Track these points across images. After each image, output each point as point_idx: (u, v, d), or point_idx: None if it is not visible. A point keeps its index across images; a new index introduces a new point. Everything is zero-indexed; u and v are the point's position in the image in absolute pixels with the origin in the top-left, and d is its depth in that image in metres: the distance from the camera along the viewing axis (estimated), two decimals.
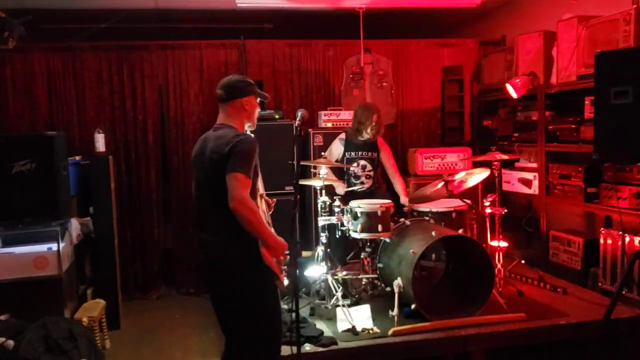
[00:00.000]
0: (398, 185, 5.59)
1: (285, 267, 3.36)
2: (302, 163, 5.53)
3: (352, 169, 5.49)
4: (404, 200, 5.44)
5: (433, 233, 4.27)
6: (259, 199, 3.42)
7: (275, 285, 3.23)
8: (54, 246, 4.73)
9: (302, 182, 5.14)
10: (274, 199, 3.70)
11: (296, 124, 3.44)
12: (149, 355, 5.02)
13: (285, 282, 3.35)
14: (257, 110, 3.49)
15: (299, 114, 3.46)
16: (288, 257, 3.31)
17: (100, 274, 5.66)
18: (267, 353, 3.30)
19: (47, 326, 4.12)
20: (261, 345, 3.27)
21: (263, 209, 3.50)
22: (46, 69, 6.38)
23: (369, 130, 5.41)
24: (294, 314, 4.08)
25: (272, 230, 3.32)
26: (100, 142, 5.69)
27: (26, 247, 4.70)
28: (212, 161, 3.15)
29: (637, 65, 3.72)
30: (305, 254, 5.11)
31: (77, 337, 4.18)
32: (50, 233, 4.77)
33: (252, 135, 3.33)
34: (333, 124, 6.28)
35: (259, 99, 3.50)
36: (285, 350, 3.60)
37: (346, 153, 5.55)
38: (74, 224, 5.36)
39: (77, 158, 5.92)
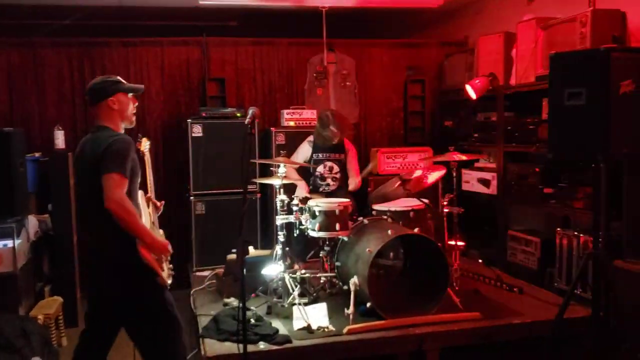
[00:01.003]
0: (350, 179, 5.65)
1: (171, 265, 3.52)
2: (261, 161, 5.56)
3: (318, 170, 5.48)
4: (352, 182, 5.51)
5: (389, 232, 4.28)
6: (142, 199, 3.49)
7: (156, 281, 3.27)
8: (9, 243, 4.69)
9: (261, 180, 5.15)
10: (162, 202, 3.81)
11: (247, 122, 3.43)
12: None
13: (169, 280, 3.45)
14: (131, 106, 3.46)
15: (250, 111, 3.45)
16: (170, 255, 3.42)
17: (58, 271, 5.60)
18: (165, 345, 3.35)
19: None
20: (158, 338, 3.33)
21: (148, 210, 3.59)
22: (6, 65, 6.30)
23: (331, 137, 5.42)
24: (248, 313, 4.15)
25: (158, 230, 3.49)
26: (59, 138, 5.63)
27: None
28: (89, 164, 3.16)
29: (590, 66, 3.76)
30: (257, 253, 5.10)
31: (29, 335, 4.14)
32: (5, 230, 4.74)
33: (127, 135, 3.34)
34: (296, 123, 6.29)
35: (130, 94, 3.47)
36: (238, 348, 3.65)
37: (313, 155, 5.54)
38: (32, 221, 5.30)
39: (37, 155, 5.85)
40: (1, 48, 6.27)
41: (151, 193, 3.74)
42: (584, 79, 3.77)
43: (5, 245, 4.67)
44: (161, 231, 3.75)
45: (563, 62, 3.98)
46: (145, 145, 3.87)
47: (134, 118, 3.49)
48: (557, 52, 4.09)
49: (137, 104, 3.52)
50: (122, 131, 3.40)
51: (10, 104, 6.33)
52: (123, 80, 3.47)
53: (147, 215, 3.50)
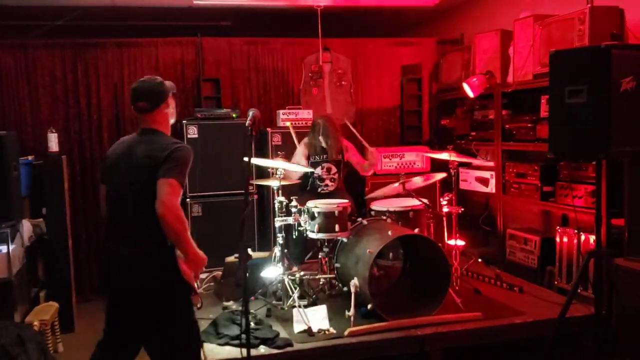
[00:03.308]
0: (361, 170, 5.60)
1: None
2: (262, 163, 5.50)
3: (317, 172, 5.43)
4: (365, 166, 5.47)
5: (389, 232, 4.26)
6: None
7: (190, 299, 3.15)
8: (4, 248, 4.61)
9: (258, 182, 5.10)
10: None
11: (247, 124, 3.38)
12: None
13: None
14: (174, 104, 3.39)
15: (250, 113, 3.40)
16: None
17: (53, 276, 5.53)
18: None
19: None
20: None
21: None
22: None
23: (323, 146, 5.38)
24: (251, 316, 4.10)
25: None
26: (53, 141, 5.56)
27: None
28: (142, 167, 3.04)
29: (591, 64, 3.74)
30: (255, 255, 5.05)
31: (25, 342, 4.06)
32: None
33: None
34: (292, 123, 6.24)
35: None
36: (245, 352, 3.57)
37: (310, 157, 5.49)
38: (26, 225, 5.23)
39: (30, 158, 5.76)
40: None
41: None
42: (584, 76, 3.75)
43: None
44: None
45: (563, 60, 3.96)
46: None
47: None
48: (556, 49, 4.06)
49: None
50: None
51: (2, 106, 6.25)
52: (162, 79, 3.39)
53: None
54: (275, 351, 3.83)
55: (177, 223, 2.92)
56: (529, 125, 5.35)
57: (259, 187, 6.07)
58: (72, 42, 6.39)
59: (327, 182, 5.43)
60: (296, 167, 5.09)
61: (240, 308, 4.40)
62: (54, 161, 5.51)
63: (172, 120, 3.36)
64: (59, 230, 5.49)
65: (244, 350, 3.66)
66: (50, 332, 4.84)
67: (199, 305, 3.24)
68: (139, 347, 3.32)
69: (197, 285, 3.23)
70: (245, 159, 3.37)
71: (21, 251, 4.98)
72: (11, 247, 4.66)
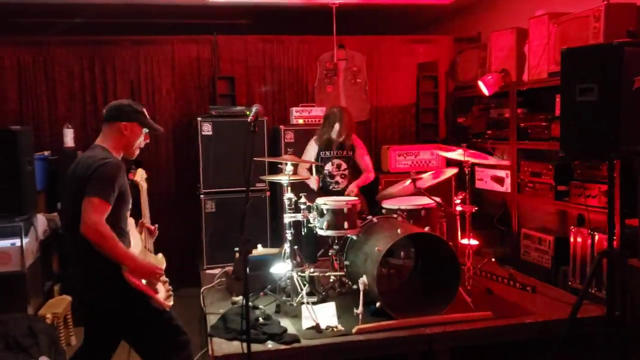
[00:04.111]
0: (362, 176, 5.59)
1: (170, 287, 3.46)
2: (269, 159, 5.53)
3: (327, 168, 5.43)
4: (350, 187, 5.43)
5: (399, 230, 4.23)
6: (132, 225, 3.43)
7: (150, 305, 3.20)
8: (17, 242, 4.69)
9: (269, 178, 5.11)
10: (156, 225, 3.72)
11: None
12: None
13: (170, 302, 3.38)
14: (140, 139, 3.40)
15: (254, 109, 3.41)
16: (162, 270, 3.36)
17: (67, 270, 5.59)
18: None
19: (6, 323, 4.07)
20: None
21: (141, 237, 3.54)
22: (16, 64, 6.32)
23: (334, 137, 5.38)
24: (256, 312, 4.12)
25: (153, 254, 3.45)
26: (69, 137, 5.64)
27: None
28: (76, 185, 3.09)
29: (602, 62, 3.69)
30: (266, 251, 5.06)
31: (37, 334, 4.12)
32: (13, 229, 4.72)
33: (118, 160, 3.26)
34: (305, 121, 6.26)
35: (145, 130, 3.41)
36: (252, 347, 3.58)
37: (321, 152, 5.50)
38: (40, 220, 5.30)
39: (46, 153, 5.85)
40: (12, 47, 6.29)
41: (145, 219, 3.67)
42: (596, 74, 3.71)
43: (13, 244, 4.67)
44: (160, 255, 3.70)
45: (575, 58, 3.92)
46: (140, 175, 3.79)
47: (136, 152, 3.44)
48: (568, 47, 4.02)
49: (148, 140, 3.47)
50: (119, 157, 3.33)
51: (20, 102, 6.34)
52: (146, 113, 3.44)
53: (138, 241, 3.46)
54: (282, 347, 3.83)
55: (99, 239, 2.95)
56: (544, 123, 5.29)
57: (272, 183, 6.08)
58: (90, 39, 6.46)
59: (338, 178, 5.43)
60: (305, 162, 5.11)
61: (250, 303, 4.42)
62: (69, 156, 5.55)
63: (125, 153, 3.38)
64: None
65: (253, 345, 3.73)
66: (62, 325, 4.89)
67: (164, 308, 3.29)
68: (115, 344, 3.42)
69: (160, 290, 3.31)
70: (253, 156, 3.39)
71: (35, 245, 5.05)
72: (25, 240, 4.73)
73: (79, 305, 3.38)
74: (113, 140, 3.31)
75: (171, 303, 3.39)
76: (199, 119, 6.01)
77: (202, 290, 5.05)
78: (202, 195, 6.01)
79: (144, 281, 3.18)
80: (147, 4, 6.37)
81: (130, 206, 3.32)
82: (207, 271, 5.68)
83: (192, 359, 3.49)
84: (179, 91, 6.59)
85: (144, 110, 3.45)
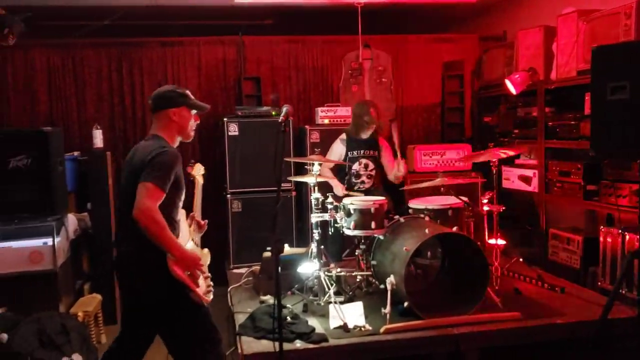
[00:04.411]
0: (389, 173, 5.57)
1: (211, 282, 3.48)
2: (295, 160, 5.55)
3: (354, 168, 5.43)
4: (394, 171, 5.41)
5: (426, 230, 4.22)
6: (182, 216, 3.47)
7: (189, 297, 3.22)
8: (49, 241, 4.75)
9: (295, 178, 5.13)
10: (206, 221, 3.76)
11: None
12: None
13: (210, 297, 3.41)
14: (191, 122, 3.45)
15: (284, 109, 3.43)
16: (204, 268, 3.39)
17: (97, 269, 5.67)
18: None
19: (40, 321, 4.14)
20: (192, 352, 3.30)
21: (190, 229, 3.59)
22: (46, 66, 6.44)
23: (367, 125, 5.38)
24: (284, 311, 4.14)
25: (199, 248, 3.49)
26: (98, 138, 5.71)
27: (22, 242, 4.73)
28: (133, 171, 3.15)
29: (634, 59, 3.65)
30: (292, 251, 5.07)
31: (69, 332, 4.20)
32: (45, 228, 4.79)
33: (175, 149, 3.32)
34: (330, 121, 6.28)
35: (194, 111, 3.46)
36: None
37: (348, 152, 5.50)
38: (71, 219, 5.37)
39: (75, 154, 5.93)
40: (42, 49, 6.42)
41: (196, 214, 3.72)
42: (628, 72, 3.67)
43: (45, 243, 4.73)
44: (205, 250, 3.74)
45: (606, 55, 3.88)
46: (197, 170, 3.87)
47: (192, 134, 3.49)
48: (599, 45, 3.98)
49: (198, 121, 3.51)
50: (176, 144, 3.40)
51: (50, 104, 6.46)
52: (190, 95, 3.47)
53: (186, 233, 3.50)
54: (311, 346, 3.83)
55: (150, 225, 3.01)
56: (573, 122, 5.24)
57: (297, 183, 6.11)
58: (117, 41, 6.56)
59: (364, 178, 5.43)
60: (332, 162, 5.12)
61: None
62: (99, 157, 5.65)
63: (181, 136, 3.44)
64: (103, 224, 5.63)
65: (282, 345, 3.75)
66: (93, 324, 4.96)
67: (203, 303, 3.32)
68: (151, 338, 3.46)
69: (201, 284, 3.33)
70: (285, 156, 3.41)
71: (66, 244, 5.12)
72: (56, 240, 4.79)
73: (122, 295, 3.41)
74: (166, 128, 3.36)
75: (210, 298, 3.42)
76: (226, 119, 6.06)
77: (229, 289, 5.07)
78: (228, 195, 6.05)
79: (187, 273, 3.21)
80: (174, 5, 6.44)
81: (183, 196, 3.37)
82: (234, 270, 5.70)
83: (223, 357, 3.51)
84: (205, 92, 6.64)
85: (188, 91, 3.47)
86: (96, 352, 4.47)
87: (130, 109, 6.57)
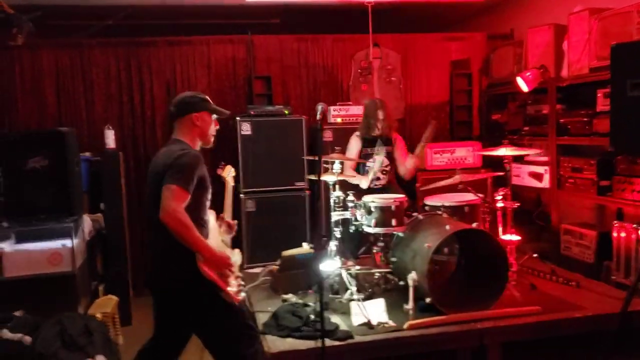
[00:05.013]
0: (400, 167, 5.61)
1: (242, 282, 3.50)
2: (322, 158, 5.55)
3: (368, 164, 5.46)
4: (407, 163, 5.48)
5: (447, 227, 4.26)
6: (212, 217, 3.51)
7: (221, 297, 3.24)
8: (68, 242, 4.74)
9: (315, 177, 5.13)
10: (235, 221, 3.79)
11: (318, 118, 3.44)
12: None
13: (242, 295, 3.43)
14: (212, 127, 3.49)
15: (319, 107, 3.46)
16: (235, 268, 3.41)
17: (111, 270, 5.66)
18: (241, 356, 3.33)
19: (62, 322, 4.11)
20: (231, 351, 3.32)
21: (220, 229, 3.62)
22: (54, 66, 6.41)
23: (378, 124, 5.41)
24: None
25: (229, 249, 3.51)
26: (110, 138, 5.69)
27: (40, 244, 4.71)
28: (158, 175, 3.17)
29: None
30: (307, 248, 5.07)
31: (92, 333, 4.17)
32: (64, 229, 4.78)
33: (197, 151, 3.36)
34: (343, 119, 6.30)
35: (214, 116, 3.49)
36: (306, 344, 3.80)
37: (363, 149, 5.53)
38: (86, 220, 5.37)
39: (88, 154, 5.91)
40: (50, 49, 6.38)
41: (227, 215, 3.75)
42: None
43: (64, 245, 4.72)
44: (236, 250, 3.75)
45: (625, 53, 3.95)
46: (227, 172, 3.92)
47: (212, 140, 3.51)
48: (618, 42, 4.03)
49: (218, 127, 3.54)
50: (197, 148, 3.42)
51: (58, 104, 6.43)
52: (210, 100, 3.50)
53: (215, 233, 3.52)
54: (336, 343, 3.86)
55: (177, 226, 3.03)
56: (585, 119, 5.29)
57: (311, 182, 6.12)
58: (126, 40, 6.54)
59: (379, 174, 5.45)
60: (353, 160, 5.14)
61: (300, 300, 4.47)
62: (112, 157, 5.63)
63: (202, 141, 3.46)
64: (117, 225, 5.62)
65: (307, 342, 3.79)
66: (111, 325, 4.94)
67: (235, 302, 3.32)
68: (187, 337, 3.47)
69: (232, 283, 3.34)
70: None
71: (83, 245, 5.12)
72: (75, 241, 4.79)
73: (154, 296, 3.42)
74: (188, 133, 3.38)
75: (242, 297, 3.43)
76: (238, 118, 6.06)
77: (246, 288, 5.08)
78: (242, 195, 6.06)
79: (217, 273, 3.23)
80: (183, 4, 6.44)
81: (210, 195, 3.38)
82: (248, 270, 5.71)
83: (261, 354, 3.51)
84: (215, 91, 6.62)
85: (206, 96, 3.51)
86: (118, 354, 4.47)
87: (139, 108, 6.55)
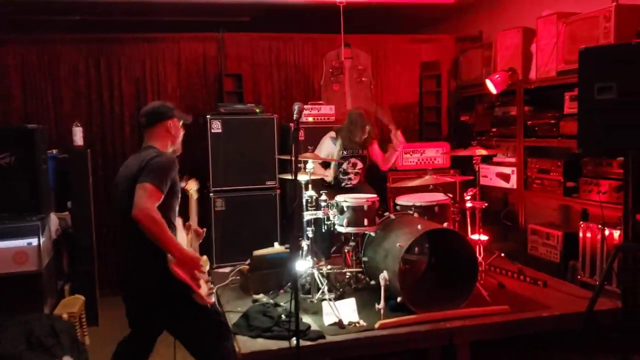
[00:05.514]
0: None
1: (212, 285, 3.51)
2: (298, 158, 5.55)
3: (343, 166, 5.46)
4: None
5: (419, 226, 4.29)
6: (179, 222, 3.51)
7: (192, 298, 3.24)
8: (34, 241, 4.67)
9: (284, 176, 5.15)
10: (204, 229, 3.80)
11: (294, 118, 3.44)
12: None
13: (212, 299, 3.43)
14: (182, 132, 3.54)
15: (296, 107, 3.46)
16: (205, 270, 3.42)
17: (78, 270, 5.57)
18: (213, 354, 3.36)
19: (28, 322, 4.05)
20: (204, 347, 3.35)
21: (188, 237, 3.61)
22: (20, 62, 6.29)
23: (362, 137, 5.42)
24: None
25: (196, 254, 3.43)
26: (78, 135, 5.61)
27: (5, 242, 4.63)
28: (130, 178, 3.17)
29: (621, 61, 3.79)
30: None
31: (59, 334, 4.10)
32: (30, 228, 4.71)
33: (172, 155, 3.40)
34: (314, 119, 6.29)
35: (181, 122, 3.54)
36: (278, 344, 3.81)
37: (342, 151, 5.50)
38: (53, 219, 5.29)
39: (54, 152, 5.81)
40: (15, 45, 6.25)
41: (193, 223, 3.74)
42: (614, 73, 3.81)
43: (30, 243, 4.65)
44: (204, 257, 3.72)
45: (592, 57, 4.01)
46: (191, 185, 3.89)
47: (180, 146, 3.56)
48: (586, 46, 4.11)
49: (184, 132, 3.57)
50: None
51: (24, 101, 6.30)
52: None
53: (183, 239, 3.50)
54: (308, 343, 3.85)
55: (150, 224, 3.02)
56: (552, 121, 5.38)
57: (282, 181, 6.11)
58: (94, 37, 6.46)
59: (351, 176, 5.47)
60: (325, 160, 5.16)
61: (271, 301, 4.46)
62: (80, 155, 5.55)
63: (173, 147, 3.50)
64: (84, 223, 5.54)
65: (278, 342, 3.78)
66: (78, 325, 4.87)
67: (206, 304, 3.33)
68: (159, 333, 3.51)
69: (202, 286, 3.34)
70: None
71: (49, 244, 5.04)
72: (41, 240, 4.71)
73: (126, 298, 3.40)
74: (161, 140, 3.41)
75: (213, 300, 3.43)
76: (209, 116, 6.02)
77: (215, 288, 5.05)
78: (211, 194, 6.02)
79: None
80: (153, 2, 6.36)
81: (179, 200, 3.39)
82: (217, 270, 5.67)
83: (234, 351, 3.55)
84: (185, 88, 6.61)
85: (172, 104, 3.57)
86: (85, 354, 4.40)
87: (108, 105, 6.47)
